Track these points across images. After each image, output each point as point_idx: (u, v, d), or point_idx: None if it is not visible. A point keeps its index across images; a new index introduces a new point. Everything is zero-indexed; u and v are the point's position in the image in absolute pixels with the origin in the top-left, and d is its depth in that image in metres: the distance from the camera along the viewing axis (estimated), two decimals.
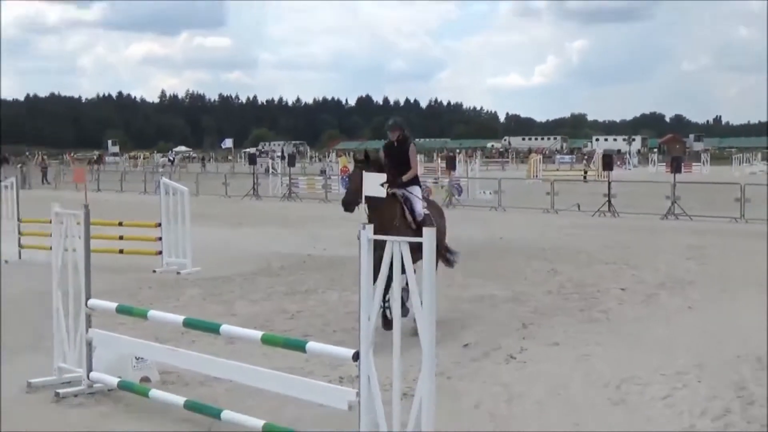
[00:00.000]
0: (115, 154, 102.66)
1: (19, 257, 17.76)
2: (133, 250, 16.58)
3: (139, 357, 8.37)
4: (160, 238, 16.54)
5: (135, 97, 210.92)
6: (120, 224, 17.32)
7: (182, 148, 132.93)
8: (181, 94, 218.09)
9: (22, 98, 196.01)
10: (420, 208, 10.87)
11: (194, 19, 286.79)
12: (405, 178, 10.88)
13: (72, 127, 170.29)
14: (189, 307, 12.15)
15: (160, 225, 16.69)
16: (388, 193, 9.68)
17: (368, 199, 9.51)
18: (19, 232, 18.06)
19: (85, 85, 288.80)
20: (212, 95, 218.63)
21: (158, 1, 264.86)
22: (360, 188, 9.60)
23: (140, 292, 13.41)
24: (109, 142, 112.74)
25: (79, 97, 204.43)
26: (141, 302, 11.50)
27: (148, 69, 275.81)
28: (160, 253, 16.46)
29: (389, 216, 10.22)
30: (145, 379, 8.36)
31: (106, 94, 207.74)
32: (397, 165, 10.82)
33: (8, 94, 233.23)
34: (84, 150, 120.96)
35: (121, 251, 16.47)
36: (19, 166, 57.05)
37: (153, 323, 8.46)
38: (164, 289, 14.22)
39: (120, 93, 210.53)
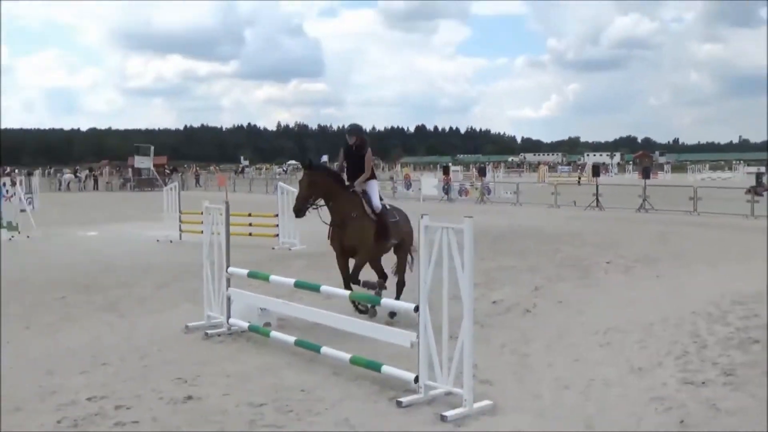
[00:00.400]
0: (245, 167, 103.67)
1: (180, 238, 18.02)
2: (259, 233, 16.67)
3: (263, 308, 8.43)
4: (277, 225, 16.70)
5: (259, 127, 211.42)
6: (249, 215, 17.45)
7: (292, 162, 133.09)
8: (291, 124, 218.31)
9: (181, 128, 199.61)
10: (377, 201, 8.96)
11: (301, 70, 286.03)
12: (358, 182, 8.89)
13: (216, 148, 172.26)
14: (298, 273, 12.18)
15: (277, 215, 16.85)
16: (346, 189, 8.79)
17: (326, 198, 8.61)
18: (180, 221, 18.36)
19: (225, 118, 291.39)
20: (313, 125, 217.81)
21: (275, 59, 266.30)
22: (309, 195, 8.52)
23: (263, 263, 13.50)
24: (242, 158, 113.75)
25: (221, 127, 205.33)
26: (264, 269, 11.55)
27: (268, 106, 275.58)
28: (277, 235, 16.60)
29: (349, 209, 8.67)
30: (267, 324, 8.42)
31: (240, 125, 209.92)
32: (354, 167, 8.97)
33: (172, 125, 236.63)
34: (224, 164, 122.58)
35: (250, 234, 16.57)
36: (179, 175, 57.95)
37: (272, 285, 8.48)
38: (280, 260, 14.33)
39: (249, 124, 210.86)
